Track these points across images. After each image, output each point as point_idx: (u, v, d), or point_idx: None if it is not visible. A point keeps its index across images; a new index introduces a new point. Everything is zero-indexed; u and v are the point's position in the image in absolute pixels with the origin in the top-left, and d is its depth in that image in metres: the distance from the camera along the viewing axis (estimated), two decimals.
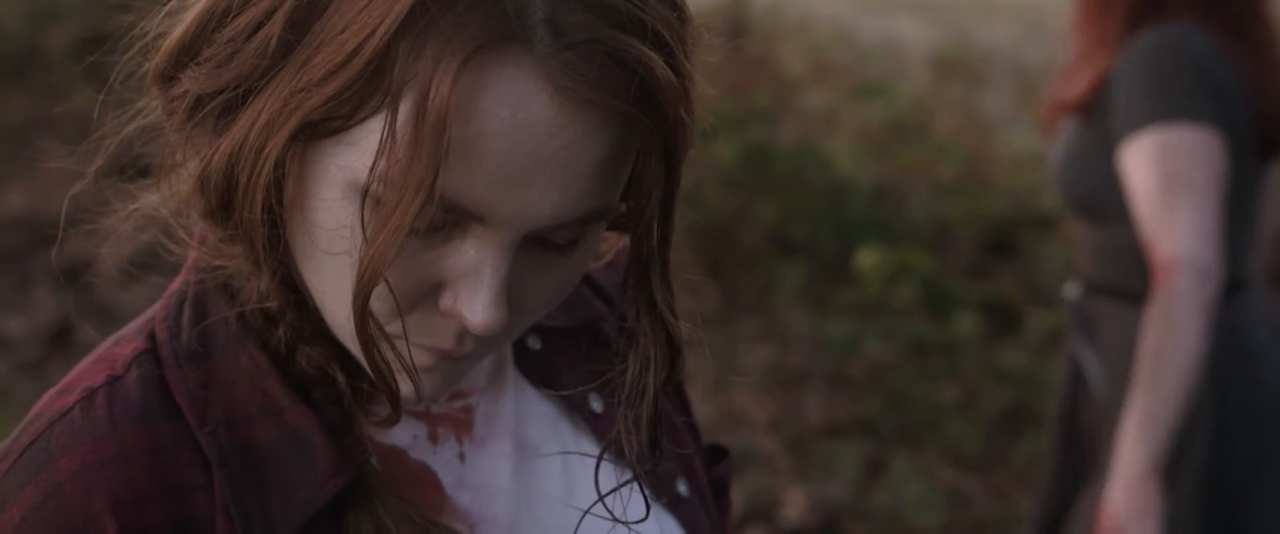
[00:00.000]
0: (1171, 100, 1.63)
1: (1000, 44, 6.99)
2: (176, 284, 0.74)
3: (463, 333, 0.67)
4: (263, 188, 0.64)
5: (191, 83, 0.66)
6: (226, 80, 0.64)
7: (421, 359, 0.67)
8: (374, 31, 0.60)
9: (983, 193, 4.62)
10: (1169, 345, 1.56)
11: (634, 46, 0.60)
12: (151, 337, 0.71)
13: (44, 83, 5.63)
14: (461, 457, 0.75)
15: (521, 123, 0.60)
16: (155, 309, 0.74)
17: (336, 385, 0.71)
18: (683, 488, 0.85)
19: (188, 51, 0.66)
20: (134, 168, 0.80)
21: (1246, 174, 1.72)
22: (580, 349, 0.83)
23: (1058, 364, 3.64)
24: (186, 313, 0.72)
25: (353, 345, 0.67)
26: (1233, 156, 1.67)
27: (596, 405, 0.83)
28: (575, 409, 0.82)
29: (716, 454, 0.92)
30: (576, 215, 0.64)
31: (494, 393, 0.78)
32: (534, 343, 0.82)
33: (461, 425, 0.76)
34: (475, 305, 0.63)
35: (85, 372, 0.71)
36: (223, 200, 0.66)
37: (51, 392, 0.71)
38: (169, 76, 0.68)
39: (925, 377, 3.63)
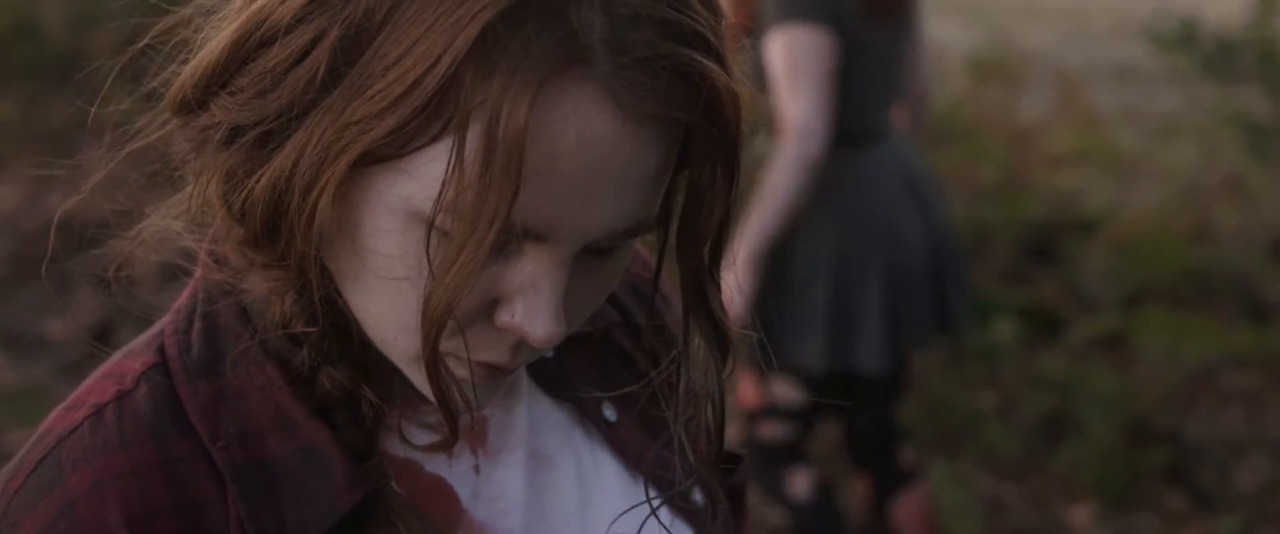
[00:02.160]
0: (792, 5, 2.21)
1: (1040, 46, 6.93)
2: (184, 298, 0.74)
3: (518, 345, 0.67)
4: (314, 217, 0.63)
5: (225, 113, 0.64)
6: (269, 111, 0.63)
7: (476, 374, 0.67)
8: (438, 60, 0.59)
9: (1023, 197, 4.58)
10: (776, 184, 2.22)
11: (695, 59, 0.61)
12: (161, 350, 0.71)
13: (86, 86, 5.68)
14: (476, 469, 0.75)
15: (587, 142, 0.60)
16: (163, 323, 0.73)
17: (360, 407, 0.70)
18: (698, 497, 0.84)
19: (217, 80, 0.65)
20: (161, 174, 0.79)
21: (865, 46, 2.27)
22: (592, 357, 0.83)
23: (1100, 371, 3.60)
24: (196, 326, 0.71)
25: (411, 368, 0.67)
26: (845, 40, 2.23)
27: (610, 414, 0.82)
28: (588, 418, 0.81)
29: (730, 462, 0.91)
30: (629, 225, 0.64)
31: (507, 404, 0.78)
32: (547, 351, 0.81)
33: (476, 437, 0.76)
34: (537, 320, 0.64)
35: (93, 387, 0.71)
36: (268, 228, 0.65)
37: (59, 408, 0.71)
38: (194, 105, 0.66)
39: (964, 383, 3.59)
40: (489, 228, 0.59)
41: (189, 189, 0.71)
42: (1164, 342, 3.67)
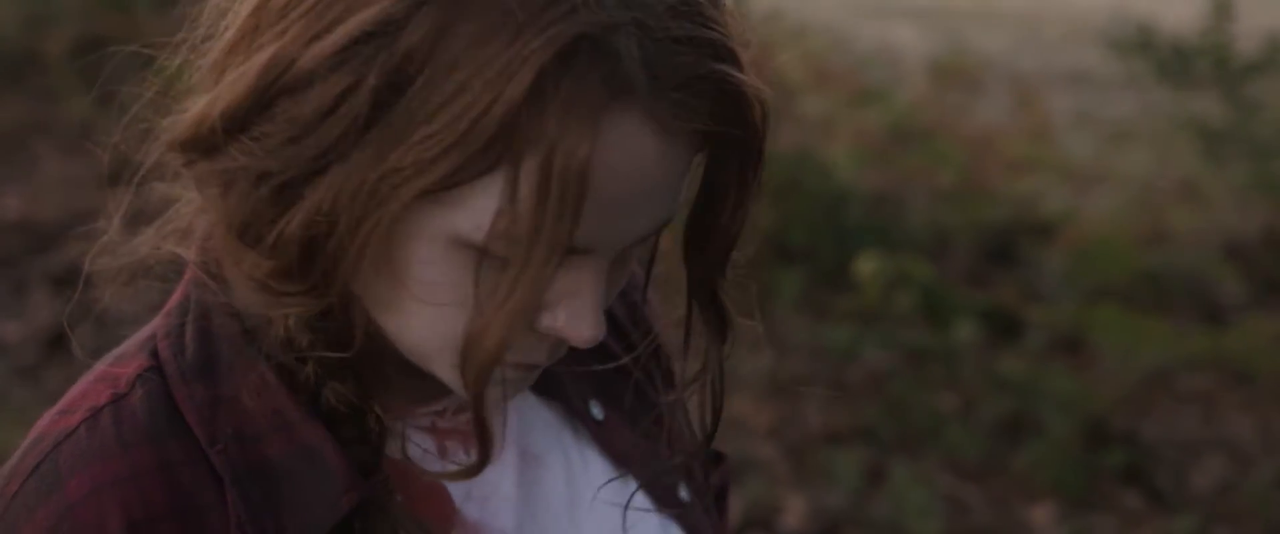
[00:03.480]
0: None
1: (997, 51, 6.99)
2: (175, 301, 0.73)
3: (556, 346, 0.68)
4: (364, 254, 0.63)
5: (249, 158, 0.63)
6: (302, 158, 0.62)
7: (510, 374, 0.69)
8: (492, 105, 0.59)
9: (982, 200, 4.62)
10: None
11: (729, 74, 0.63)
12: (154, 354, 0.70)
13: (40, 86, 5.62)
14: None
15: (635, 164, 0.62)
16: (154, 327, 0.72)
17: (366, 421, 0.70)
18: (685, 493, 0.84)
19: (235, 124, 0.63)
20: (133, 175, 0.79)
21: None
22: (577, 355, 0.83)
23: (1058, 373, 3.64)
24: (189, 330, 0.70)
25: (454, 381, 0.68)
26: None
27: (597, 412, 0.82)
28: (576, 416, 0.81)
29: (713, 459, 0.91)
30: (659, 226, 0.67)
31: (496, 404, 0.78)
32: None
33: (469, 438, 0.76)
34: (582, 325, 0.66)
35: (87, 391, 0.70)
36: (303, 263, 0.64)
37: (52, 412, 0.70)
38: (207, 148, 0.65)
39: (925, 384, 3.62)
40: (547, 260, 0.61)
41: (183, 213, 0.70)
42: (1121, 344, 3.71)
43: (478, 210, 0.61)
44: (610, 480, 0.79)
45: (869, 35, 6.72)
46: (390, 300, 0.65)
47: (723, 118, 0.63)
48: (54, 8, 5.98)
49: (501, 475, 0.76)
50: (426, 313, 0.65)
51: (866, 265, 3.79)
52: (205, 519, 0.66)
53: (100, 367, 0.72)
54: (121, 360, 0.71)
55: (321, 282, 0.65)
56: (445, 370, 0.68)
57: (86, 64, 5.58)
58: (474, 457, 0.75)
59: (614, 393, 0.84)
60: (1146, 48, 4.38)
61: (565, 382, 0.81)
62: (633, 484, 0.81)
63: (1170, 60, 4.33)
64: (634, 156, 0.62)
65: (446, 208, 0.62)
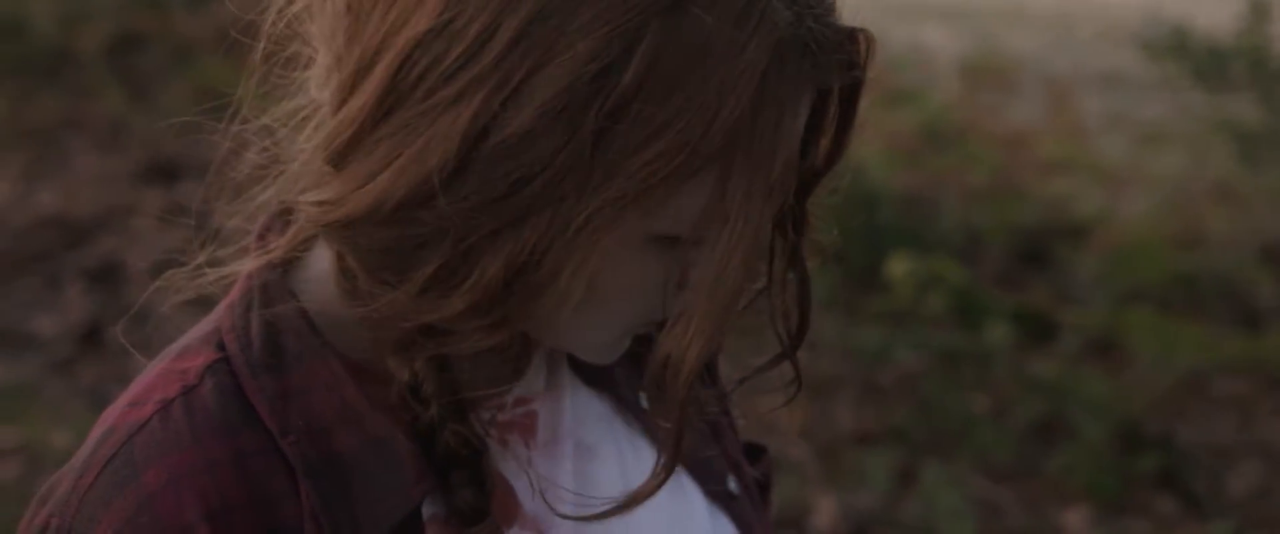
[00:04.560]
0: None
1: (1028, 51, 6.95)
2: (236, 295, 0.73)
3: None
4: (568, 282, 0.64)
5: (443, 221, 0.62)
6: (512, 210, 0.62)
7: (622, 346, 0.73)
8: (716, 118, 0.61)
9: (1014, 201, 4.59)
10: None
11: (855, 28, 0.67)
12: (221, 346, 0.70)
13: (75, 83, 5.66)
14: (529, 462, 0.75)
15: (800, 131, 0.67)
16: (217, 320, 0.72)
17: (482, 466, 0.71)
18: (733, 485, 0.85)
19: (422, 198, 0.62)
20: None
21: None
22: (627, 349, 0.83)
23: (1092, 375, 3.62)
24: (255, 323, 0.70)
25: (594, 352, 0.72)
26: None
27: (647, 403, 0.83)
28: (627, 406, 0.82)
29: (754, 452, 0.92)
30: None
31: (553, 396, 0.78)
32: None
33: (527, 431, 0.76)
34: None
35: (155, 383, 0.70)
36: (499, 302, 0.64)
37: (120, 404, 0.70)
38: (391, 221, 0.63)
39: (956, 386, 3.60)
40: (758, 235, 0.63)
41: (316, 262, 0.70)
42: (1155, 347, 3.69)
43: (683, 208, 0.63)
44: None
45: (900, 36, 6.70)
46: (571, 302, 0.66)
47: (852, 67, 0.67)
48: (89, 5, 6.03)
49: (559, 468, 0.76)
50: (609, 307, 0.67)
51: (898, 266, 3.78)
52: (279, 509, 0.67)
53: (163, 361, 0.72)
54: (187, 354, 0.71)
55: (516, 314, 0.65)
56: (597, 351, 0.72)
57: (121, 61, 5.64)
58: (532, 449, 0.75)
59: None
60: (1182, 50, 4.35)
61: (615, 373, 0.82)
62: (684, 475, 0.81)
63: (1206, 63, 4.30)
64: (802, 125, 0.66)
65: (651, 215, 0.63)
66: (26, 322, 3.98)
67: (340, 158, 0.65)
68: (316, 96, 0.70)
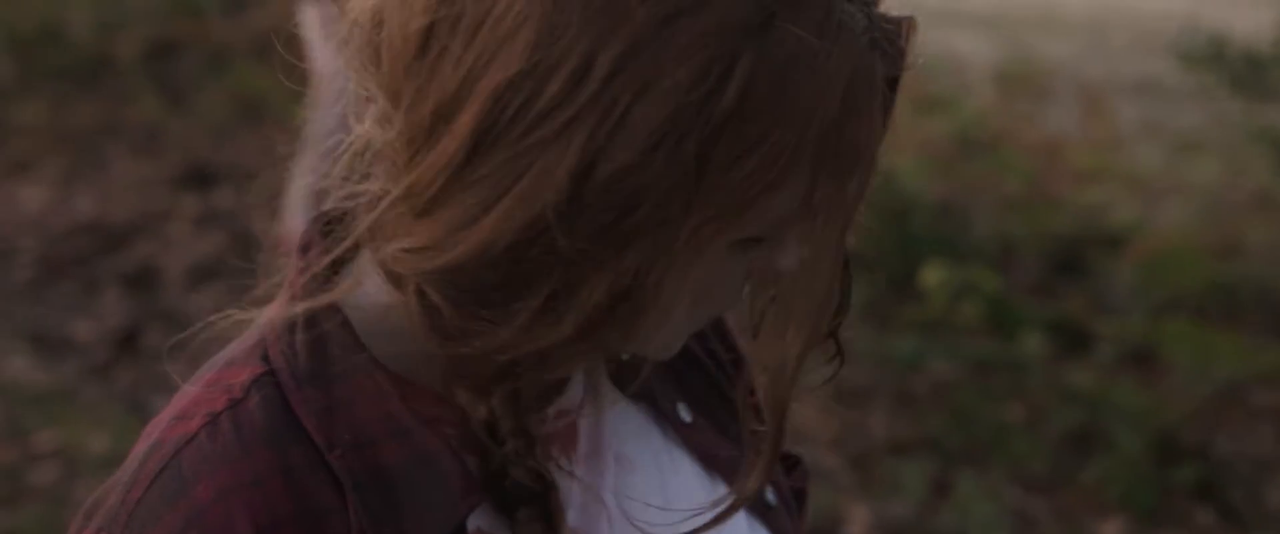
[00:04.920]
0: None
1: (1062, 58, 6.91)
2: (279, 308, 0.73)
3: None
4: (669, 300, 0.65)
5: (571, 249, 0.63)
6: (614, 239, 0.62)
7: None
8: (806, 129, 0.62)
9: (1049, 210, 4.57)
10: (319, 129, 2.44)
11: (900, 19, 0.68)
12: (266, 359, 0.70)
13: (113, 89, 5.71)
14: (571, 475, 0.75)
15: None
16: (261, 333, 0.72)
17: (551, 500, 0.71)
18: (771, 496, 0.85)
19: (533, 235, 0.63)
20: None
21: None
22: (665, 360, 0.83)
23: (1128, 386, 3.59)
24: (300, 336, 0.70)
25: (665, 352, 0.73)
26: None
27: (685, 415, 0.82)
28: (665, 418, 0.81)
29: (789, 462, 0.91)
30: None
31: (593, 408, 0.78)
32: (624, 354, 0.81)
33: (568, 443, 0.76)
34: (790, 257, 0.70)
35: (201, 397, 0.70)
36: (603, 321, 0.65)
37: (166, 417, 0.70)
38: (522, 247, 0.63)
39: (991, 396, 3.58)
40: (843, 234, 0.65)
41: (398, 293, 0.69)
42: (1192, 357, 3.66)
43: (770, 211, 0.64)
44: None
45: (933, 43, 6.66)
46: (658, 317, 0.67)
47: (903, 56, 0.68)
48: (126, 12, 6.08)
49: (600, 480, 0.76)
50: (689, 312, 0.69)
51: (932, 275, 3.76)
52: (327, 524, 0.66)
53: (208, 374, 0.72)
54: (232, 367, 0.71)
55: (616, 335, 0.66)
56: (662, 350, 0.73)
57: (158, 67, 5.68)
58: (574, 463, 0.75)
59: (698, 395, 0.85)
60: (1219, 59, 4.31)
61: (653, 384, 0.82)
62: (722, 486, 0.81)
63: (1243, 71, 4.26)
64: (881, 120, 0.67)
65: (744, 223, 0.64)
66: (64, 326, 4.01)
67: (430, 205, 0.64)
68: (370, 132, 0.69)
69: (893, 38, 0.66)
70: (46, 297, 4.24)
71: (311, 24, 2.75)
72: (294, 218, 2.66)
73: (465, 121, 0.62)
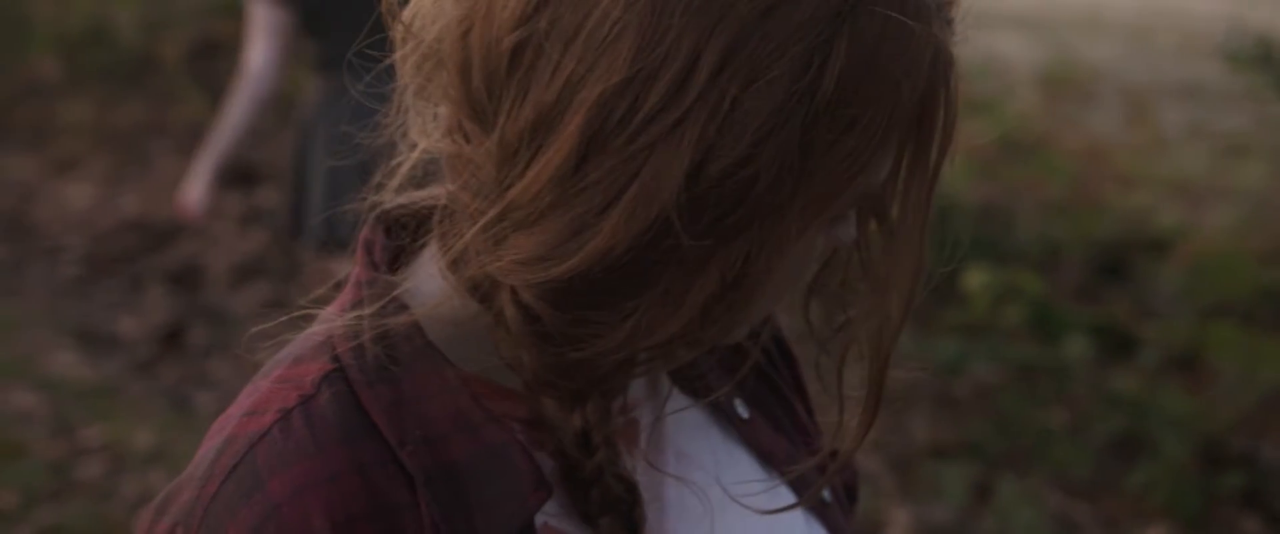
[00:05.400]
0: None
1: (1106, 61, 6.86)
2: (346, 303, 0.73)
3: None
4: (777, 284, 0.68)
5: (698, 235, 0.63)
6: (725, 231, 0.64)
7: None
8: (897, 107, 0.64)
9: (1093, 213, 4.53)
10: (231, 112, 2.98)
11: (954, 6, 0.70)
12: (335, 356, 0.70)
13: (157, 88, 5.77)
14: (633, 469, 0.75)
15: None
16: (328, 329, 0.72)
17: (635, 516, 0.73)
18: (827, 493, 0.85)
19: (656, 236, 0.63)
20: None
21: (324, 12, 2.83)
22: (717, 355, 0.84)
23: (1173, 391, 3.55)
24: (367, 334, 0.71)
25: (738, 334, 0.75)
26: (302, 11, 2.84)
27: (743, 411, 0.83)
28: (723, 414, 0.82)
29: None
30: None
31: (653, 404, 0.78)
32: None
33: (630, 439, 0.76)
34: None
35: (272, 393, 0.70)
36: (712, 311, 0.67)
37: (236, 413, 0.71)
38: (642, 248, 0.64)
39: (1034, 400, 3.56)
40: (931, 204, 0.67)
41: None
42: (1238, 362, 3.62)
43: (862, 187, 0.66)
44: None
45: (975, 45, 6.63)
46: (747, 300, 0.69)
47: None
48: (171, 13, 6.14)
49: (663, 477, 0.77)
50: (776, 293, 0.70)
51: (975, 278, 3.74)
52: (400, 520, 0.67)
53: (277, 369, 0.72)
54: (300, 363, 0.71)
55: (721, 324, 0.67)
56: (737, 334, 0.74)
57: (202, 67, 5.73)
58: (637, 458, 0.75)
59: (752, 390, 0.85)
60: (1266, 61, 4.26)
61: (711, 380, 0.82)
62: (779, 481, 0.81)
63: None
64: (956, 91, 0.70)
65: (839, 204, 0.66)
66: (110, 323, 4.06)
67: (538, 216, 0.64)
68: (437, 146, 0.70)
69: (950, 9, 0.68)
70: (92, 294, 4.28)
71: (256, 20, 2.95)
72: (195, 189, 3.02)
73: (571, 131, 0.62)
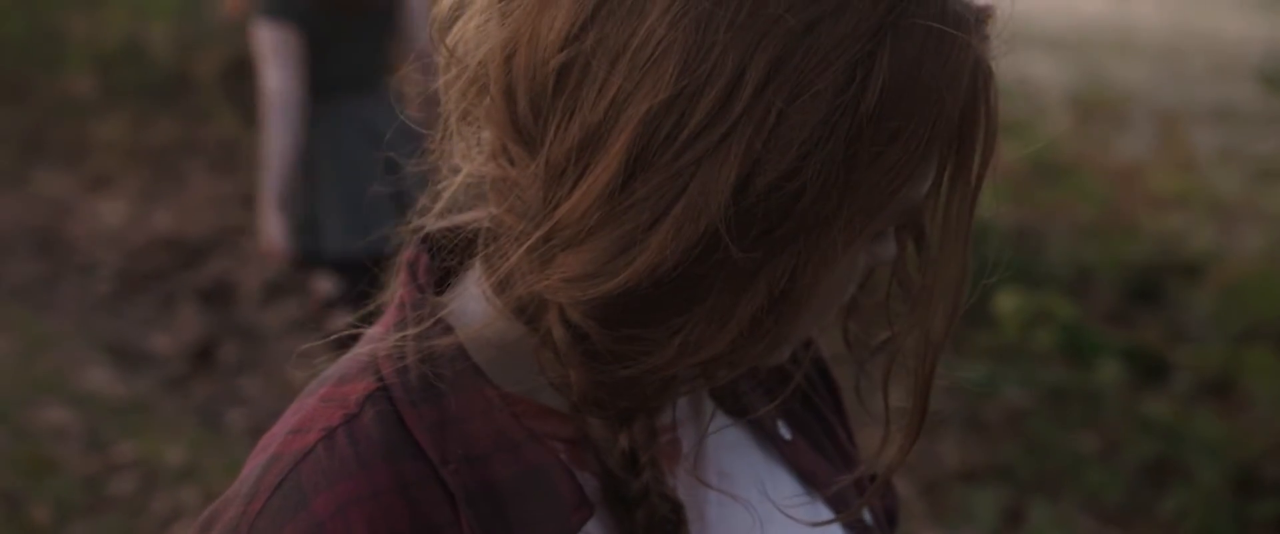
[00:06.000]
0: (268, 5, 3.03)
1: (1137, 83, 6.83)
2: (390, 323, 0.74)
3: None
4: (824, 299, 0.69)
5: (738, 259, 0.64)
6: (782, 239, 0.64)
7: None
8: (939, 119, 0.64)
9: (1125, 236, 4.50)
10: (272, 137, 3.08)
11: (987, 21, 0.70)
12: (379, 375, 0.71)
13: (191, 107, 5.81)
14: (675, 489, 0.75)
15: None
16: (372, 348, 0.73)
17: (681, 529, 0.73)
18: (867, 515, 0.85)
19: (702, 252, 0.64)
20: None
21: (325, 32, 3.03)
22: (758, 376, 0.84)
23: (1206, 416, 3.52)
24: (411, 353, 0.71)
25: (781, 353, 0.74)
26: (308, 30, 3.01)
27: (785, 432, 0.83)
28: (765, 435, 0.82)
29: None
30: None
31: (695, 424, 0.79)
32: None
33: (672, 458, 0.76)
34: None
35: (316, 411, 0.71)
36: (761, 325, 0.67)
37: (281, 431, 0.71)
38: (690, 263, 0.64)
39: (1065, 424, 3.53)
40: (973, 216, 0.67)
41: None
42: (1273, 388, 3.59)
43: (907, 200, 0.66)
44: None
45: (1006, 67, 6.60)
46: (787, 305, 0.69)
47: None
48: (205, 31, 6.19)
49: (703, 496, 0.77)
50: (822, 308, 0.70)
51: (1007, 302, 3.72)
52: None
53: (322, 388, 0.73)
54: (345, 381, 0.72)
55: (771, 340, 0.67)
56: (782, 354, 0.74)
57: (235, 86, 5.78)
58: (679, 477, 0.75)
59: (794, 412, 0.86)
60: None
61: (752, 401, 0.82)
62: (820, 503, 0.82)
63: None
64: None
65: (883, 217, 0.67)
66: (142, 339, 4.08)
67: (585, 234, 0.64)
68: (481, 169, 0.71)
69: (984, 23, 0.68)
70: (125, 310, 4.31)
71: (263, 43, 3.04)
72: (272, 231, 3.09)
73: (617, 149, 0.63)
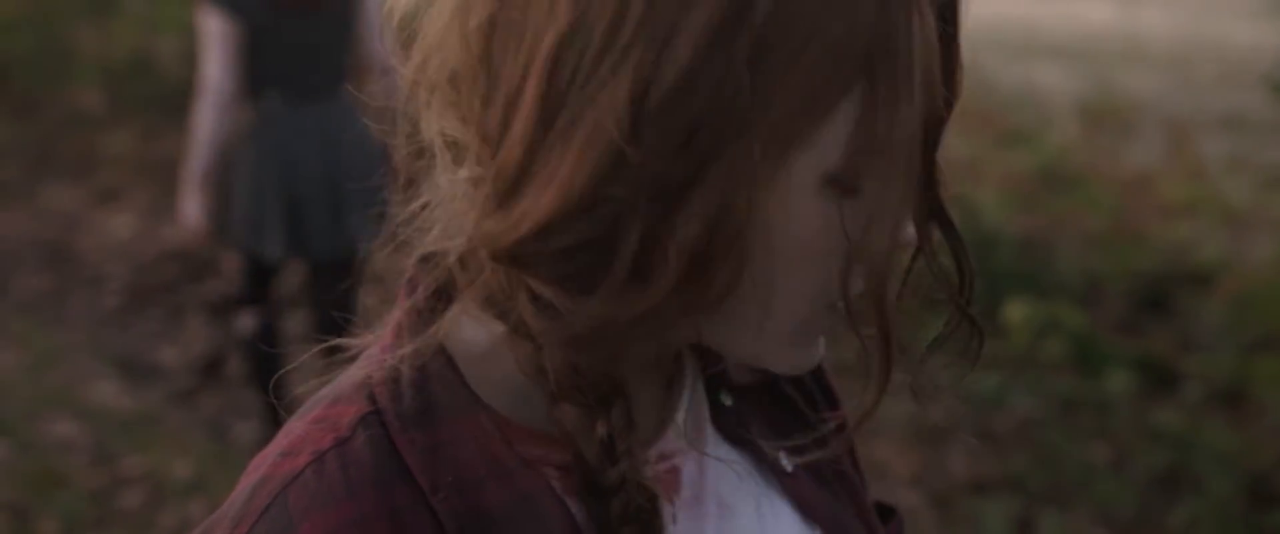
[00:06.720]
0: None
1: (1146, 92, 6.82)
2: (386, 343, 0.73)
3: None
4: (763, 245, 0.65)
5: (649, 177, 0.63)
6: (697, 157, 0.63)
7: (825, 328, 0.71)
8: (851, 27, 0.62)
9: (1134, 246, 4.49)
10: (199, 123, 3.12)
11: None
12: (372, 398, 0.70)
13: None
14: (674, 519, 0.74)
15: None
16: (367, 369, 0.72)
17: (655, 527, 0.70)
18: None
19: (605, 179, 0.63)
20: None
21: (272, 29, 3.04)
22: (764, 407, 0.82)
23: (1217, 426, 3.51)
24: (406, 375, 0.70)
25: (784, 346, 0.71)
26: (249, 24, 3.01)
27: (787, 464, 0.81)
28: (767, 466, 0.81)
29: (884, 513, 0.90)
30: None
31: (695, 453, 0.77)
32: (727, 399, 0.81)
33: (670, 488, 0.75)
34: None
35: (307, 434, 0.70)
36: (704, 264, 0.65)
37: (272, 453, 0.70)
38: (601, 185, 0.63)
39: (1075, 434, 3.52)
40: (910, 162, 0.64)
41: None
42: None
43: (839, 135, 0.64)
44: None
45: (1014, 76, 6.61)
46: (763, 282, 0.66)
47: None
48: None
49: (702, 525, 0.76)
50: (797, 276, 0.67)
51: (1016, 311, 3.71)
52: None
53: (315, 409, 0.72)
54: (339, 403, 0.71)
55: (720, 288, 0.65)
56: (787, 353, 0.71)
57: None
58: (678, 507, 0.74)
59: (798, 445, 0.84)
60: None
61: (756, 431, 0.81)
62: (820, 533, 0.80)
63: None
64: (934, 32, 0.66)
65: (814, 150, 0.64)
66: (151, 353, 4.08)
67: (515, 186, 0.65)
68: (453, 182, 0.70)
69: None
70: (133, 324, 4.32)
71: (207, 32, 3.08)
72: (187, 206, 3.15)
73: (531, 94, 0.64)
